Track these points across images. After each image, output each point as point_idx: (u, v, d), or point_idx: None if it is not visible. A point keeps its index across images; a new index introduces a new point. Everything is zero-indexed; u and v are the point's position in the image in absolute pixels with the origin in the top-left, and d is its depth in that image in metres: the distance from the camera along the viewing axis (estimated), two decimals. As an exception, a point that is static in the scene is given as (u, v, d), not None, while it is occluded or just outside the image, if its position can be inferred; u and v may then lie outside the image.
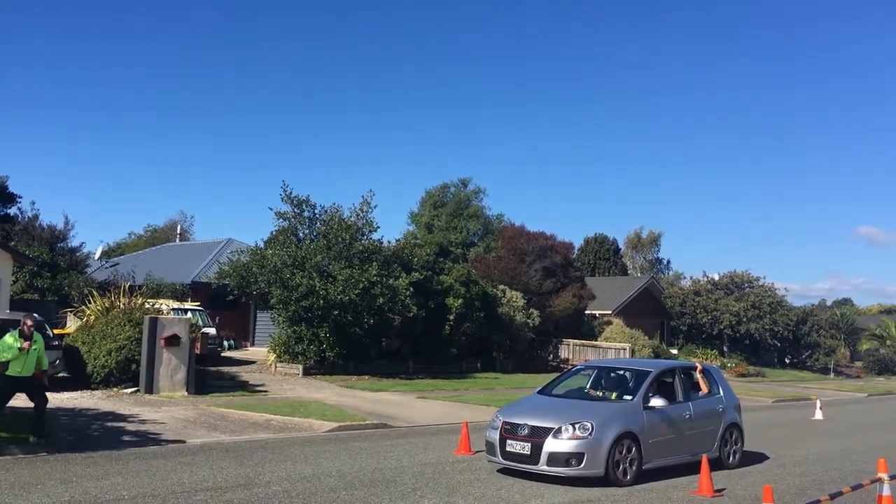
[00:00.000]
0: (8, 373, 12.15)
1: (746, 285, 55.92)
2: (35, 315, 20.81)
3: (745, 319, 52.45)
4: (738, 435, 13.50)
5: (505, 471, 11.68)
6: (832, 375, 53.79)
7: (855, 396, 36.43)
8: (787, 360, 57.44)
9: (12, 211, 42.42)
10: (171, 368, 19.95)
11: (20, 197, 43.09)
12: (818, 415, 23.24)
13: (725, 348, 52.67)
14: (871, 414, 26.66)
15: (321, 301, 26.29)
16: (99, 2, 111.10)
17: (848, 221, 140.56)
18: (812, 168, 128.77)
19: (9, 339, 12.22)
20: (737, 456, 13.34)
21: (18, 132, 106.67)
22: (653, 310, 54.12)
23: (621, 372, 13.29)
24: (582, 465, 10.82)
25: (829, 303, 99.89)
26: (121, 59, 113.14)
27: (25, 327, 12.26)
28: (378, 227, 29.50)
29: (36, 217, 39.96)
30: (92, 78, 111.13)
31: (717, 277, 56.97)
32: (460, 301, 31.85)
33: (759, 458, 14.37)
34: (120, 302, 22.42)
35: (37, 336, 12.45)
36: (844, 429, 20.81)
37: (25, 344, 12.15)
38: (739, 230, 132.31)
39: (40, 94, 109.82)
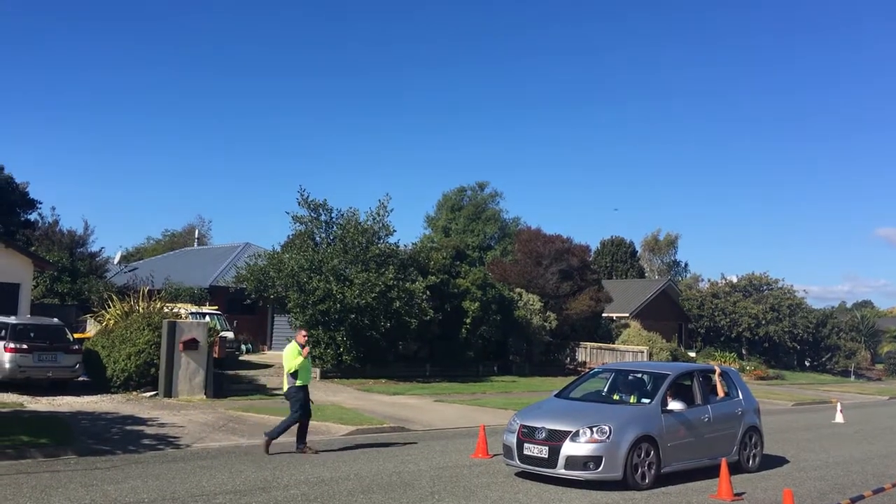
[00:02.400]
0: (300, 382, 13.42)
1: (765, 287, 55.53)
2: (56, 320, 21.14)
3: (763, 322, 52.06)
4: (758, 438, 13.39)
5: (522, 474, 11.66)
6: (853, 378, 53.29)
7: (876, 399, 36.07)
8: (807, 363, 56.94)
9: (33, 216, 42.89)
10: (189, 372, 20.06)
11: (41, 203, 43.62)
12: (839, 418, 23.03)
13: (744, 351, 52.30)
14: (892, 417, 26.36)
15: (338, 305, 26.35)
16: (116, 7, 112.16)
17: (867, 223, 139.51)
18: (831, 170, 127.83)
19: (294, 349, 13.44)
20: (756, 459, 13.24)
21: (38, 139, 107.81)
22: (670, 312, 53.85)
23: (639, 375, 13.23)
24: (600, 468, 10.78)
25: (849, 305, 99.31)
26: (139, 65, 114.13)
27: (300, 337, 13.63)
28: (394, 230, 29.65)
29: (56, 222, 40.30)
30: (110, 84, 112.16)
31: (735, 280, 56.63)
32: (477, 304, 31.82)
33: (778, 461, 14.26)
34: (139, 306, 22.57)
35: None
36: (865, 432, 20.60)
37: (305, 350, 13.43)
38: (758, 232, 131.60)
39: (59, 100, 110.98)
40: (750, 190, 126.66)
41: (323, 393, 23.21)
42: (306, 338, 13.79)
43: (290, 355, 13.44)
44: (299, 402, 13.42)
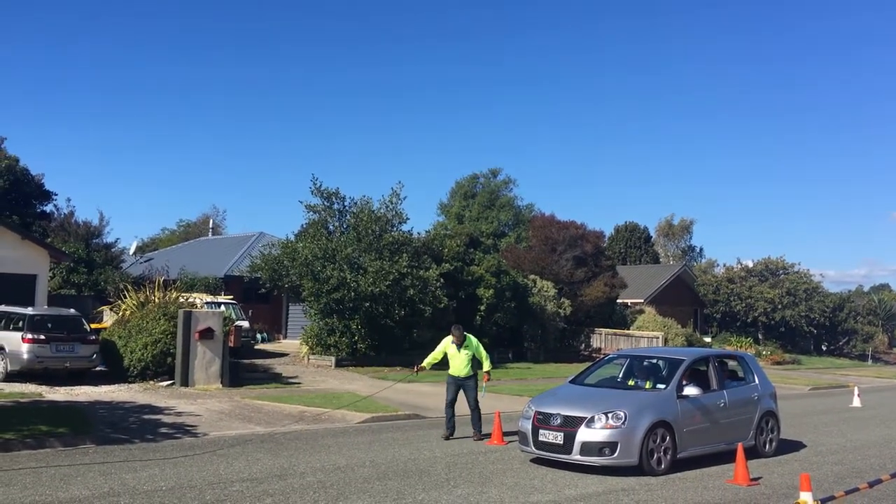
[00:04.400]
0: (450, 372, 14.31)
1: (781, 272, 55.12)
2: (73, 311, 21.28)
3: (780, 306, 51.71)
4: (774, 423, 13.33)
5: (538, 460, 11.66)
6: (870, 362, 52.92)
7: (894, 383, 35.81)
8: (824, 348, 56.59)
9: (48, 208, 43.20)
10: (205, 361, 20.16)
11: (56, 194, 43.93)
12: (856, 402, 22.88)
13: (760, 336, 52.01)
14: (910, 401, 26.18)
15: (352, 293, 26.39)
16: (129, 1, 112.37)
17: (884, 207, 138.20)
18: (847, 153, 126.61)
19: (446, 342, 14.35)
20: (773, 444, 13.18)
21: (53, 130, 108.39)
22: (685, 298, 53.64)
23: (654, 361, 13.18)
24: (615, 454, 10.77)
25: (866, 289, 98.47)
26: (153, 58, 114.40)
27: (454, 336, 14.21)
28: (408, 218, 29.65)
29: (71, 214, 40.56)
30: (124, 77, 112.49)
31: (751, 264, 56.21)
32: (491, 292, 31.78)
33: (795, 446, 14.19)
34: (155, 296, 22.69)
35: (470, 340, 14.37)
36: (883, 416, 20.46)
37: (421, 366, 14.71)
38: (774, 216, 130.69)
39: (74, 92, 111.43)
40: (766, 174, 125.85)
41: (338, 381, 23.31)
42: (458, 337, 14.19)
43: (437, 348, 14.50)
44: (448, 390, 14.31)
